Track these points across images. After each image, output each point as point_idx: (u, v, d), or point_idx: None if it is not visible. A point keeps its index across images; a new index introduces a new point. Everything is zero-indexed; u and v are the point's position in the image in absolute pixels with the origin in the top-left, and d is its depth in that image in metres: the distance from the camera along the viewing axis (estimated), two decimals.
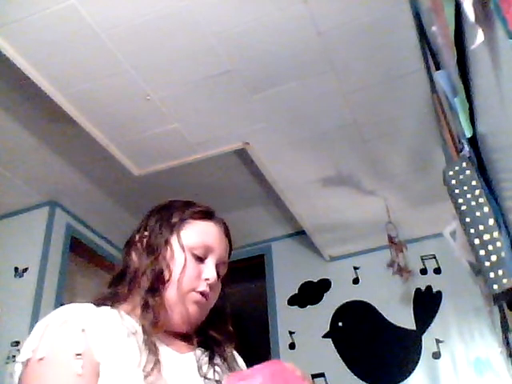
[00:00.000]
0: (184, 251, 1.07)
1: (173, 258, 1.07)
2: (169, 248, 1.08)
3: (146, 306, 1.02)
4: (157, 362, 0.94)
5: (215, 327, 1.13)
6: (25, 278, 3.32)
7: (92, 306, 1.03)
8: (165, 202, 1.18)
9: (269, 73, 2.50)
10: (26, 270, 3.34)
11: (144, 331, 0.99)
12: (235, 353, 1.17)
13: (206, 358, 1.07)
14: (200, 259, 1.09)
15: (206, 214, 1.15)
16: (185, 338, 1.09)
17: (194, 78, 2.50)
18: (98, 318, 0.99)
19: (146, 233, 1.11)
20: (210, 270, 1.08)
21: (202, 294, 1.06)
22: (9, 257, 3.43)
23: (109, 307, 1.04)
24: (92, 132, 2.76)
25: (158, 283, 1.05)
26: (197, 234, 1.10)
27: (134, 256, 1.10)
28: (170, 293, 1.05)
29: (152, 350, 0.96)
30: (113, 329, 0.98)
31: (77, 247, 3.70)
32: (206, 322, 1.11)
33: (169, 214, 1.12)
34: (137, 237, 1.12)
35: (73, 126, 2.76)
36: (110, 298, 1.08)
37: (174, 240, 1.09)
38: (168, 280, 1.05)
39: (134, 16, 2.19)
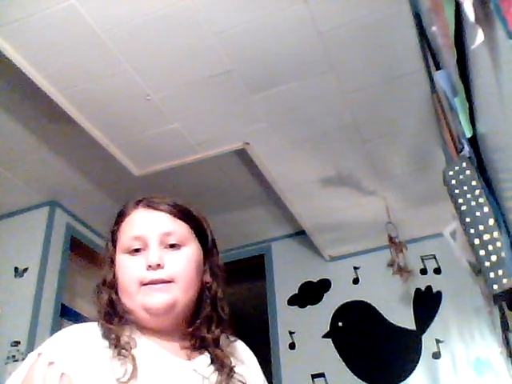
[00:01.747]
0: (116, 259, 1.07)
1: (116, 271, 1.06)
2: (113, 264, 1.08)
3: (103, 328, 1.02)
4: (133, 372, 0.94)
5: (207, 323, 1.07)
6: (25, 278, 3.32)
7: (82, 326, 1.04)
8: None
9: (269, 73, 2.50)
10: (25, 270, 3.34)
11: (111, 346, 0.98)
12: (245, 348, 1.13)
13: (210, 365, 1.03)
14: (140, 250, 1.05)
15: (128, 209, 1.12)
16: (188, 342, 1.06)
17: (194, 78, 2.50)
18: (76, 341, 0.99)
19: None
20: (148, 256, 1.03)
21: (152, 283, 1.01)
22: (9, 257, 3.43)
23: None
24: (92, 132, 2.76)
25: (115, 302, 1.05)
26: (124, 233, 1.08)
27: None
28: (125, 300, 1.04)
29: (122, 360, 0.95)
30: (92, 346, 0.98)
31: (77, 247, 3.70)
32: (199, 318, 1.07)
33: (110, 229, 1.14)
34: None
35: (73, 126, 2.77)
36: None
37: (113, 252, 1.09)
38: (119, 292, 1.05)
39: (134, 16, 2.19)
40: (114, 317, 1.03)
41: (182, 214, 1.10)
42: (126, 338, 1.00)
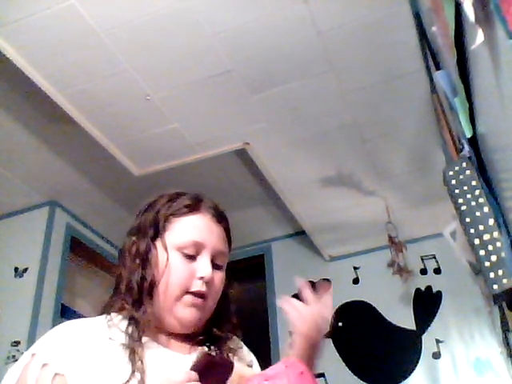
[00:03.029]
0: (168, 252, 1.03)
1: (160, 262, 1.03)
2: (155, 252, 1.04)
3: (131, 320, 1.00)
4: (133, 373, 0.92)
5: (218, 324, 1.08)
6: (25, 278, 3.32)
7: (77, 322, 1.02)
8: (152, 198, 1.12)
9: (269, 73, 2.50)
10: (26, 270, 3.34)
11: (126, 345, 0.96)
12: (245, 349, 1.13)
13: None
14: (192, 257, 1.03)
15: (192, 206, 1.09)
16: (187, 337, 1.06)
17: (193, 78, 2.50)
18: (71, 338, 0.97)
19: (134, 238, 1.07)
20: (203, 267, 1.03)
21: (197, 294, 1.02)
22: (9, 257, 3.43)
23: (104, 315, 1.04)
24: (92, 132, 2.76)
25: (147, 292, 1.01)
26: (183, 231, 1.05)
27: (124, 264, 1.06)
28: (162, 298, 1.02)
29: (132, 361, 0.94)
30: (89, 342, 0.97)
31: (77, 247, 3.70)
32: (209, 319, 1.08)
33: (153, 214, 1.08)
34: (126, 243, 1.08)
35: (73, 126, 2.77)
36: (110, 306, 1.06)
37: (159, 242, 1.05)
38: (158, 286, 1.02)
39: (134, 16, 2.19)
40: (137, 304, 1.01)
41: (230, 235, 1.13)
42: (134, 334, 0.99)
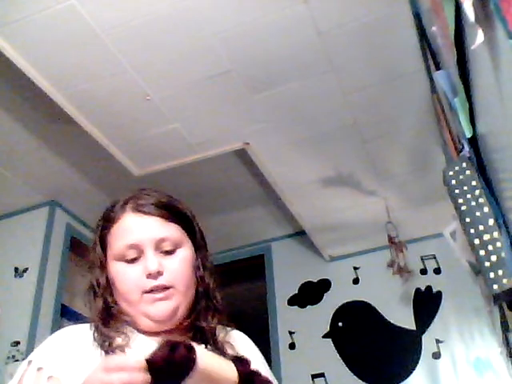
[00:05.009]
0: (111, 266, 1.05)
1: (110, 277, 1.05)
2: (105, 267, 1.06)
3: (96, 332, 1.02)
4: None
5: (203, 314, 1.06)
6: (25, 278, 3.32)
7: (71, 329, 1.05)
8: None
9: (269, 73, 2.50)
10: (26, 270, 3.34)
11: (103, 350, 0.98)
12: (240, 342, 1.10)
13: None
14: (136, 259, 1.03)
15: (118, 214, 1.08)
16: (187, 334, 1.05)
17: (194, 78, 2.50)
18: (66, 344, 1.00)
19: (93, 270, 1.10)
20: (148, 264, 1.01)
21: (156, 289, 1.01)
22: (9, 257, 3.43)
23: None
24: (92, 132, 2.76)
25: (106, 311, 1.03)
26: (115, 241, 1.05)
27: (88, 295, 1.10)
28: (127, 306, 1.03)
29: None
30: (83, 347, 0.99)
31: (77, 247, 3.69)
32: (196, 311, 1.06)
33: (98, 232, 1.10)
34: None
35: (73, 126, 2.76)
36: None
37: (105, 261, 1.07)
38: (117, 299, 1.04)
39: (134, 16, 2.19)
40: (110, 319, 1.03)
41: (173, 215, 1.08)
42: (119, 340, 1.00)
